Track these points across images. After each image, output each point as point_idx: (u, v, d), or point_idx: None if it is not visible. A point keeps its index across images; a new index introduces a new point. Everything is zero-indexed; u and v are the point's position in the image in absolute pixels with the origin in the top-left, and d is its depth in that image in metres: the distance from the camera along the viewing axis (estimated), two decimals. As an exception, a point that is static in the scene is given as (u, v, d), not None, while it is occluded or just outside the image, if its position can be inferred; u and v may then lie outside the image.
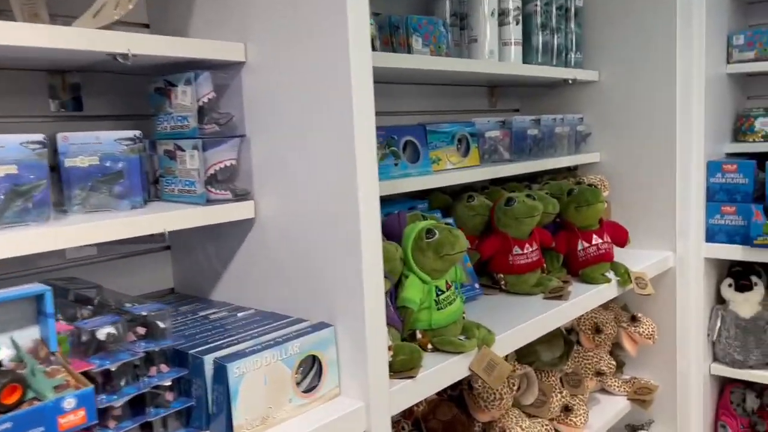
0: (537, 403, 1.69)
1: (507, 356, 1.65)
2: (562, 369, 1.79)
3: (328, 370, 1.01)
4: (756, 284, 2.12)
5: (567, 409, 1.75)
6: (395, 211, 1.51)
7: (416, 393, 1.11)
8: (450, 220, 1.62)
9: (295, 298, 1.08)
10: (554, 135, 1.92)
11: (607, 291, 1.70)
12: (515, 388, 1.55)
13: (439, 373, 1.16)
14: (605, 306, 2.00)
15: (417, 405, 1.53)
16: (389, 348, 1.08)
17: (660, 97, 1.99)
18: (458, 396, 1.60)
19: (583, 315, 1.88)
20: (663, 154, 2.01)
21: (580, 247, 1.73)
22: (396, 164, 1.43)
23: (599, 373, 1.90)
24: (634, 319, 1.94)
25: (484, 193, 1.80)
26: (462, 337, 1.28)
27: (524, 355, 1.72)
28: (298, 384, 0.98)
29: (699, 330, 2.10)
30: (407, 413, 1.52)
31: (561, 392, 1.74)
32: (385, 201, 1.65)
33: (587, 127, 2.12)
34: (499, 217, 1.62)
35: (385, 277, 1.09)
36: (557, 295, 1.55)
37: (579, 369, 1.88)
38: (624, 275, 1.74)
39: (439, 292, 1.23)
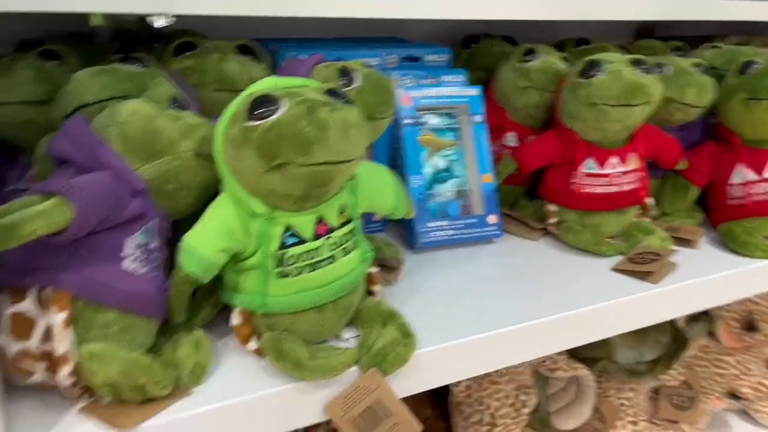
0: (586, 431, 0.98)
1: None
2: (658, 378, 1.04)
3: None
4: None
5: (647, 448, 1.02)
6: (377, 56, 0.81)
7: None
8: (474, 92, 0.87)
9: None
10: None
11: (769, 274, 0.86)
12: (524, 407, 0.86)
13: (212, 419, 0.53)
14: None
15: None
16: (60, 359, 0.47)
17: None
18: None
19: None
20: None
21: (737, 179, 0.88)
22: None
23: (734, 395, 1.10)
24: (833, 316, 1.07)
25: (577, 50, 0.99)
26: (349, 337, 0.62)
27: (588, 345, 0.99)
28: None
29: None
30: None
31: (636, 419, 1.00)
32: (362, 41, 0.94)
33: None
34: (566, 98, 0.83)
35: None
36: (641, 270, 0.78)
37: (697, 380, 1.09)
38: (818, 249, 0.87)
39: (291, 240, 0.56)
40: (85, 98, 0.58)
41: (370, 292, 0.64)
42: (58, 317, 0.46)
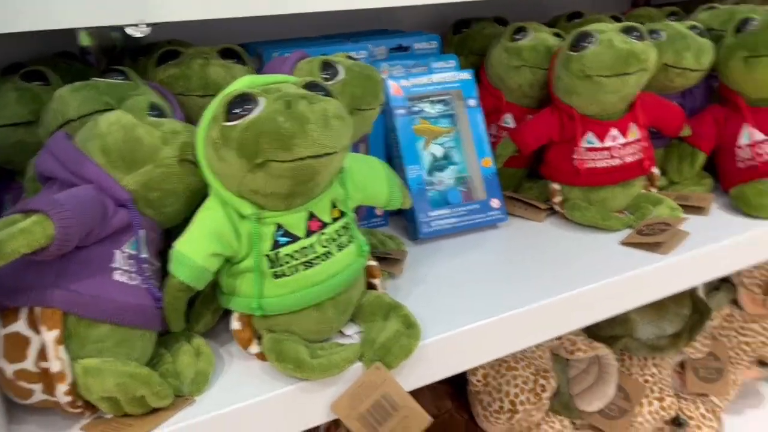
0: (611, 411, 0.96)
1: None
2: (682, 351, 1.01)
3: None
4: None
5: (677, 424, 1.00)
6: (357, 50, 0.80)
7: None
8: (466, 76, 0.85)
9: None
10: None
11: (786, 236, 0.84)
12: (544, 391, 0.85)
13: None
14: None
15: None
16: (56, 376, 0.46)
17: None
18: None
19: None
20: None
21: (744, 140, 0.86)
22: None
23: (764, 363, 1.08)
24: None
25: (569, 25, 0.97)
26: (353, 332, 0.61)
27: (607, 324, 0.97)
28: None
29: None
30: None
31: (662, 395, 0.98)
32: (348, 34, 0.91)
33: None
34: (559, 73, 0.81)
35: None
36: (651, 241, 0.76)
37: (723, 351, 1.07)
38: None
39: (283, 240, 0.55)
40: (68, 114, 0.58)
41: (371, 286, 0.63)
42: (49, 335, 0.46)
